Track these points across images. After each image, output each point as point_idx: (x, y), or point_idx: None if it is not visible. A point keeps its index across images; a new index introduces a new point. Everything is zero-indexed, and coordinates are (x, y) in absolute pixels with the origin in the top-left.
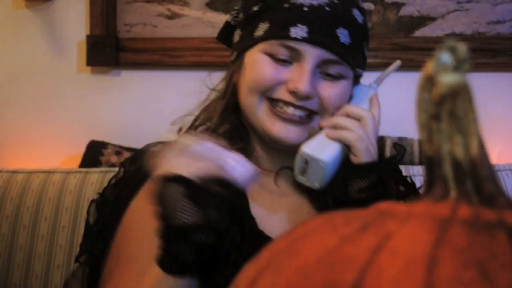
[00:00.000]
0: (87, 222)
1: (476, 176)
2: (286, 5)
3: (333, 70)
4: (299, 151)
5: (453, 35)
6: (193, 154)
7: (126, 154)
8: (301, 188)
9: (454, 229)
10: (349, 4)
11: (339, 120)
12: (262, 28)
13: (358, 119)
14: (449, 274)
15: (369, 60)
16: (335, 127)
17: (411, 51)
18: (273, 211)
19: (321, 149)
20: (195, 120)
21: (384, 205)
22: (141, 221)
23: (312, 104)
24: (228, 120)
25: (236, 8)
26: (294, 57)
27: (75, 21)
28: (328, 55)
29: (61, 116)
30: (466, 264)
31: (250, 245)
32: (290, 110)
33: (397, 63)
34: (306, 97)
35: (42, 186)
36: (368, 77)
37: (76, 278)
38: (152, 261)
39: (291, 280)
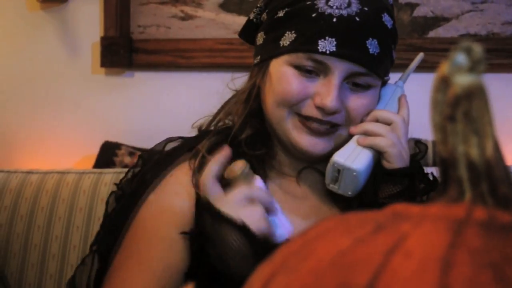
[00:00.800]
0: (106, 212)
1: (491, 177)
2: (314, 15)
3: (361, 80)
4: (331, 160)
5: (468, 35)
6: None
7: None
8: (323, 190)
9: (469, 231)
10: (379, 9)
11: (370, 126)
12: (288, 38)
13: (388, 123)
14: (465, 276)
15: None
16: (366, 133)
17: (425, 52)
18: (294, 213)
19: (353, 158)
20: (213, 118)
21: (399, 207)
22: (155, 219)
23: (338, 118)
24: (250, 125)
25: (258, 5)
26: (321, 70)
27: (89, 23)
28: (356, 68)
29: (75, 117)
30: (482, 266)
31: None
32: (316, 124)
33: (420, 55)
34: (334, 113)
35: (56, 187)
36: None
37: (86, 266)
38: (160, 261)
39: (304, 281)
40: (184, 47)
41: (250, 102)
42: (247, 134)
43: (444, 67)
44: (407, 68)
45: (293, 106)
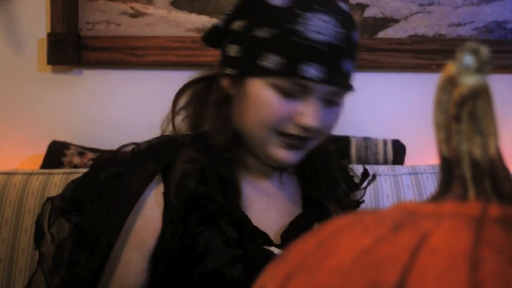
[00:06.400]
0: (51, 235)
1: (494, 175)
2: (295, 39)
3: (334, 98)
4: None
5: (415, 36)
6: None
7: (89, 155)
8: (290, 188)
9: (490, 228)
10: (350, 27)
11: None
12: (271, 60)
13: None
14: (495, 272)
15: None
16: None
17: (375, 52)
18: (266, 209)
19: None
20: (171, 119)
21: (410, 205)
22: (120, 240)
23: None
24: (223, 131)
25: (227, 13)
26: (301, 91)
27: (35, 18)
28: (334, 89)
29: (21, 116)
30: (510, 263)
31: (246, 238)
32: (297, 141)
33: None
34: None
35: (2, 188)
36: None
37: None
38: (117, 284)
39: (329, 280)
40: (135, 45)
41: (223, 110)
42: (219, 140)
43: (452, 68)
44: None
45: (275, 126)
